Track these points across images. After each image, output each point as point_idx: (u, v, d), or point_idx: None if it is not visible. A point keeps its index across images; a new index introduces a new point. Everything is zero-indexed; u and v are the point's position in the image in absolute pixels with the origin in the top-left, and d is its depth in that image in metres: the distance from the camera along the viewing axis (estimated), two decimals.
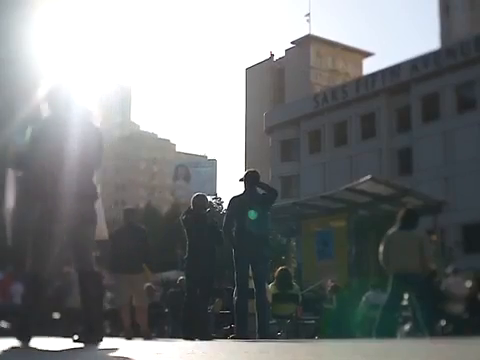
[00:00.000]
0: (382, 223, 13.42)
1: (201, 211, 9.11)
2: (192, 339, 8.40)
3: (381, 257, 8.92)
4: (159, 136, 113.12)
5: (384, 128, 48.79)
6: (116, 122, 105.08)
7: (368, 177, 15.74)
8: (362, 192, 15.95)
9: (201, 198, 9.27)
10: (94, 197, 5.38)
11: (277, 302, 10.96)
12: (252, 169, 8.80)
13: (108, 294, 13.49)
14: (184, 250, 9.35)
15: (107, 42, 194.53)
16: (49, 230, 5.05)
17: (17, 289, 15.48)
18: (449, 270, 12.63)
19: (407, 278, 8.69)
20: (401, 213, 9.07)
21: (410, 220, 9.01)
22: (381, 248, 8.94)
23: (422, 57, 46.29)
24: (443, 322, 11.13)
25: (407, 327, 10.10)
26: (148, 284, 13.63)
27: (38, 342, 5.07)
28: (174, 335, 11.87)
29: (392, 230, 9.00)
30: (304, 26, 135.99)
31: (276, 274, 11.49)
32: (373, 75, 50.46)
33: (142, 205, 72.75)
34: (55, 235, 5.07)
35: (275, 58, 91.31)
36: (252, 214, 8.15)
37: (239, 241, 8.21)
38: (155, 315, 12.52)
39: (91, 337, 5.17)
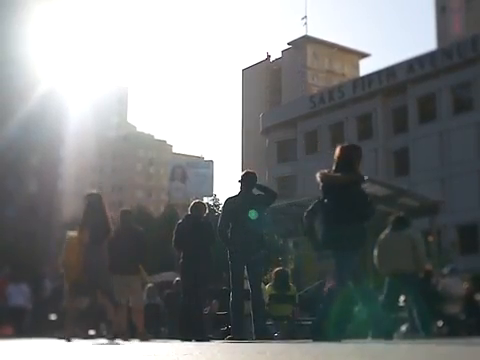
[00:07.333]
0: (378, 224, 13.42)
1: (198, 218, 9.16)
2: (189, 340, 8.40)
3: (375, 260, 9.01)
4: (156, 137, 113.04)
5: (381, 129, 48.81)
6: (113, 123, 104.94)
7: (364, 178, 15.72)
8: None
9: (200, 206, 9.35)
10: None
11: (274, 303, 10.94)
12: (250, 170, 8.74)
13: None
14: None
15: (104, 43, 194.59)
16: None
17: (13, 291, 15.44)
18: (446, 271, 12.62)
19: (402, 279, 8.73)
20: (391, 218, 9.26)
21: (401, 222, 9.19)
22: (375, 251, 9.04)
23: (418, 58, 46.32)
24: (440, 323, 11.13)
25: (404, 328, 10.08)
26: (150, 285, 13.61)
27: (36, 343, 5.06)
28: (171, 336, 11.85)
29: (384, 233, 9.13)
30: (300, 27, 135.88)
31: (273, 275, 11.47)
32: (369, 76, 50.49)
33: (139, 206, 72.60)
34: None
35: (272, 59, 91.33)
36: (253, 214, 8.11)
37: (234, 242, 8.19)
38: (152, 316, 12.49)
39: None
